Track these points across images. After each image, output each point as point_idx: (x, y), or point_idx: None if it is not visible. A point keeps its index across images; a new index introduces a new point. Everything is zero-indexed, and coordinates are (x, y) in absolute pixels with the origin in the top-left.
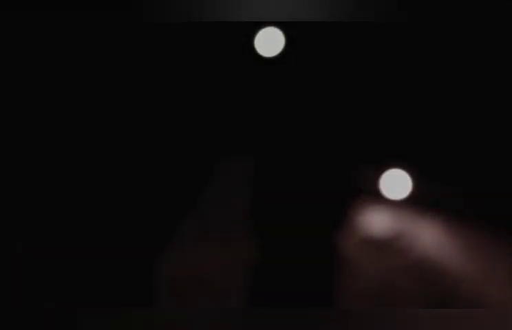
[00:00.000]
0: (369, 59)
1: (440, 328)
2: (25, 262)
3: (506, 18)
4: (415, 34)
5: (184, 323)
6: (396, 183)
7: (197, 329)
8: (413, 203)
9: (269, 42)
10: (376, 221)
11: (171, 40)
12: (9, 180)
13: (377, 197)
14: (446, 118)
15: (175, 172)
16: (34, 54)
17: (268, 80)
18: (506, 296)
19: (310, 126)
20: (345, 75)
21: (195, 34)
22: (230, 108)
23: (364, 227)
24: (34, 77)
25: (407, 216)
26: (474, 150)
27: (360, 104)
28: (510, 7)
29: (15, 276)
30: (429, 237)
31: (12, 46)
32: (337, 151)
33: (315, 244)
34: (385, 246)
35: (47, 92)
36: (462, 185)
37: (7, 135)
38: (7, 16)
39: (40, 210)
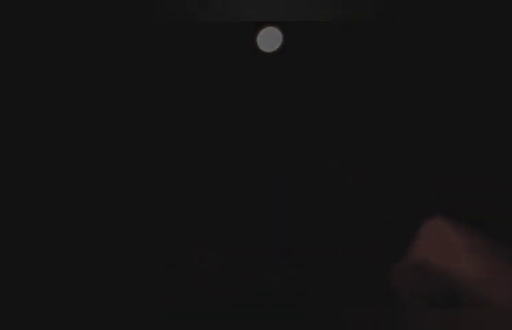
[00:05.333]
0: (365, 59)
1: (440, 329)
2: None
3: (498, 18)
4: (411, 34)
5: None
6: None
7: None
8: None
9: (269, 41)
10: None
11: (176, 39)
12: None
13: None
14: (444, 118)
15: (178, 169)
16: (40, 54)
17: (268, 77)
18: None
19: (308, 125)
20: (341, 75)
21: (198, 34)
22: (232, 106)
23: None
24: (40, 76)
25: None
26: (472, 151)
27: (357, 104)
28: (503, 6)
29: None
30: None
31: (17, 44)
32: (334, 148)
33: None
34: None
35: (55, 92)
36: (460, 185)
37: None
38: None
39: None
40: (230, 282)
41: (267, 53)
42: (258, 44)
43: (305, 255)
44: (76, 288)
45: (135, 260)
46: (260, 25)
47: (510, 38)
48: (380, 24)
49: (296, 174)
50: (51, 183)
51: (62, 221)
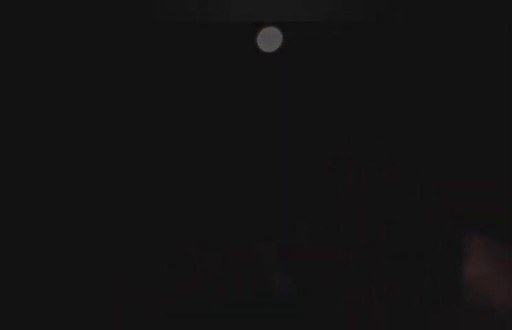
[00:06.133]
0: (365, 59)
1: (441, 328)
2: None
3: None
4: (411, 34)
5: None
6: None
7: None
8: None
9: (269, 41)
10: None
11: (176, 39)
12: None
13: None
14: (444, 118)
15: (178, 169)
16: (41, 54)
17: (268, 77)
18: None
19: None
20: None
21: (198, 34)
22: (232, 106)
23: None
24: (41, 75)
25: None
26: (470, 150)
27: (353, 101)
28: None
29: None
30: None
31: (22, 44)
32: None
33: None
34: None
35: (56, 91)
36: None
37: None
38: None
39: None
40: (230, 282)
41: (267, 53)
42: (258, 44)
43: (306, 255)
44: (77, 288)
45: (135, 260)
46: (260, 25)
47: (511, 38)
48: (380, 24)
49: (296, 174)
50: (51, 184)
51: (63, 221)
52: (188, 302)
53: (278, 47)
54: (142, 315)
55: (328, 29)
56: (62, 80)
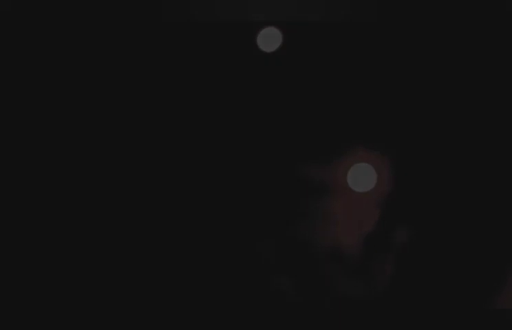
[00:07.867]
0: (365, 59)
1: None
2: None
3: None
4: (408, 34)
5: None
6: (361, 176)
7: None
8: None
9: (269, 41)
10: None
11: (176, 39)
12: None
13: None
14: (445, 118)
15: (178, 166)
16: (50, 54)
17: (268, 77)
18: None
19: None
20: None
21: (199, 34)
22: (231, 105)
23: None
24: (45, 75)
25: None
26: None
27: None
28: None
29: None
30: None
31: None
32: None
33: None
34: None
35: (58, 90)
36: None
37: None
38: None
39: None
40: (230, 281)
41: (267, 53)
42: (258, 44)
43: (306, 255)
44: (77, 288)
45: (135, 260)
46: (260, 25)
47: (511, 39)
48: (380, 24)
49: (296, 174)
50: (51, 184)
51: (63, 222)
52: (187, 302)
53: (278, 47)
54: (142, 315)
55: (328, 29)
56: (65, 80)
